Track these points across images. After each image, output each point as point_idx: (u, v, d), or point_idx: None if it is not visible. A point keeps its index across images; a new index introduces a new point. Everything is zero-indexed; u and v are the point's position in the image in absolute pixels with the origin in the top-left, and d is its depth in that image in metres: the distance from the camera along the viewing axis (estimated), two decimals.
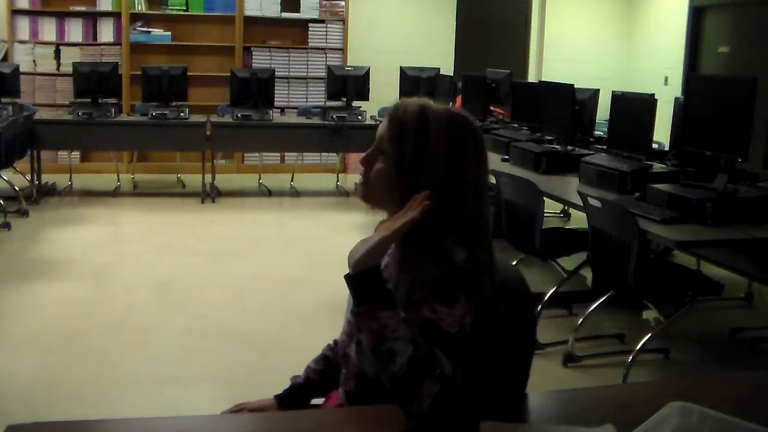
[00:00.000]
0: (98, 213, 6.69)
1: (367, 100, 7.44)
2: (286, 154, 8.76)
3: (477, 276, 1.47)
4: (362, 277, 1.36)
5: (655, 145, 4.75)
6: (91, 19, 8.39)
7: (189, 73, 7.35)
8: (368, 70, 7.57)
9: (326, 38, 8.79)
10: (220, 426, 1.48)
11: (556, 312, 4.33)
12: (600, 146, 5.18)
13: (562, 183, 4.51)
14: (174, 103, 7.16)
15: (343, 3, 8.76)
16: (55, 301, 4.43)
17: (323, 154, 8.66)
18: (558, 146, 5.05)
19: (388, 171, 1.52)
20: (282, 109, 8.29)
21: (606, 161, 4.31)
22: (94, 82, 7.14)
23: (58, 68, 8.32)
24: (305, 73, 8.78)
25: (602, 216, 3.60)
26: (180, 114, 7.12)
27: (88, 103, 7.13)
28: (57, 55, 8.33)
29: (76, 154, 8.20)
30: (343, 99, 7.55)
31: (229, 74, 7.36)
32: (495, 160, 5.25)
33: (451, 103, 5.41)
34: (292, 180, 8.07)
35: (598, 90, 5.52)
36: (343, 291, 1.42)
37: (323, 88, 8.28)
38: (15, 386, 3.32)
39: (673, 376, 3.72)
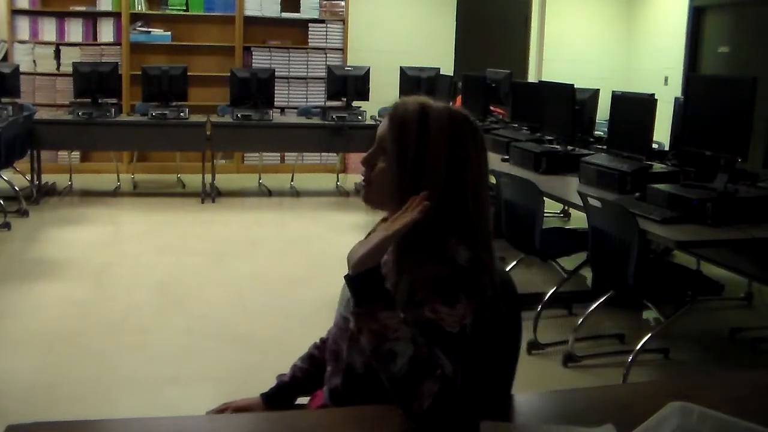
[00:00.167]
0: (98, 213, 6.69)
1: (367, 100, 7.44)
2: (286, 154, 8.76)
3: (478, 276, 1.47)
4: (362, 277, 1.36)
5: (655, 145, 4.75)
6: (91, 19, 8.39)
7: (189, 73, 7.35)
8: (368, 70, 7.57)
9: (326, 38, 8.79)
10: (220, 426, 1.48)
11: (556, 312, 4.33)
12: (600, 146, 5.17)
13: (562, 183, 4.51)
14: (174, 103, 7.16)
15: (343, 3, 8.75)
16: (55, 301, 4.43)
17: (323, 154, 8.66)
18: (558, 146, 5.05)
19: (390, 171, 1.52)
20: (282, 109, 8.29)
21: (606, 161, 4.31)
22: (94, 82, 7.14)
23: (58, 68, 8.32)
24: (305, 73, 8.78)
25: (602, 216, 3.60)
26: (180, 114, 7.12)
27: (88, 103, 7.13)
28: (57, 55, 8.33)
29: (76, 154, 8.20)
30: (343, 99, 7.55)
31: (229, 74, 7.36)
32: (495, 160, 5.25)
33: (451, 103, 5.41)
34: (292, 180, 8.07)
35: (598, 90, 5.52)
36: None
37: (323, 88, 8.28)
38: (15, 386, 3.32)
39: (673, 376, 3.72)
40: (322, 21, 8.76)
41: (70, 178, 7.69)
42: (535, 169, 4.80)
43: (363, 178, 1.59)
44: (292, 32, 8.81)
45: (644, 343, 3.55)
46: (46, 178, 7.53)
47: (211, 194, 7.25)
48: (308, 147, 7.85)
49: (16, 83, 7.05)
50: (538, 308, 4.00)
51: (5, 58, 8.13)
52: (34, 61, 8.28)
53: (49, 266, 5.06)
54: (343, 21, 8.78)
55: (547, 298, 4.05)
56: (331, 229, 6.35)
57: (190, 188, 7.69)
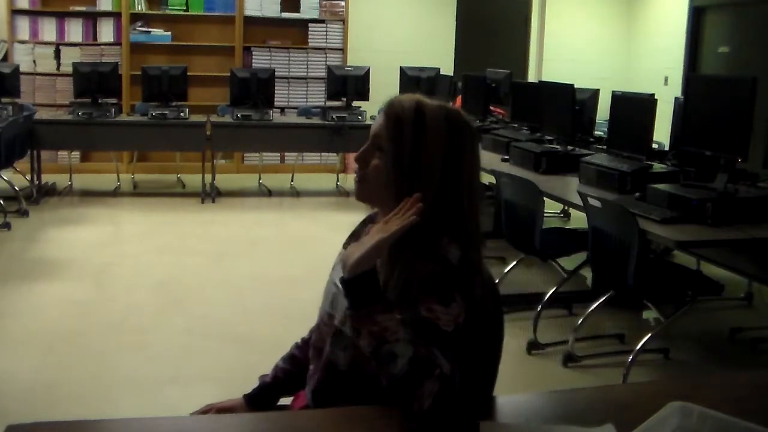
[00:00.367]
0: (98, 213, 6.69)
1: (367, 100, 7.44)
2: (286, 154, 8.76)
3: (470, 275, 1.46)
4: (359, 280, 1.35)
5: (655, 145, 4.74)
6: (91, 19, 8.39)
7: (189, 73, 7.35)
8: (368, 70, 7.57)
9: (326, 38, 8.79)
10: (220, 426, 1.48)
11: (556, 312, 4.33)
12: (600, 146, 5.17)
13: (562, 183, 4.51)
14: (174, 103, 7.16)
15: (343, 3, 8.75)
16: (55, 301, 4.43)
17: (323, 154, 8.65)
18: (558, 146, 5.05)
19: (386, 168, 1.51)
20: (282, 109, 8.29)
21: (606, 161, 4.31)
22: (94, 82, 7.14)
23: (58, 68, 8.31)
24: (305, 73, 8.78)
25: (602, 216, 3.60)
26: (180, 114, 7.12)
27: (88, 103, 7.12)
28: (57, 55, 8.33)
29: (76, 154, 8.20)
30: (343, 99, 7.55)
31: (229, 74, 7.36)
32: (495, 160, 5.25)
33: (451, 103, 5.40)
34: (292, 180, 8.07)
35: (598, 90, 5.52)
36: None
37: (323, 88, 8.28)
38: (15, 386, 3.32)
39: (673, 376, 3.72)
40: (322, 21, 8.76)
41: (70, 178, 7.68)
42: (535, 169, 4.80)
43: (357, 175, 1.58)
44: (292, 32, 8.80)
45: (644, 343, 3.55)
46: (46, 178, 7.53)
47: (211, 194, 7.25)
48: (308, 147, 7.85)
49: (16, 83, 7.05)
50: (538, 308, 4.00)
51: (5, 58, 8.13)
52: (34, 61, 8.28)
53: (49, 266, 5.06)
54: (343, 21, 8.78)
55: (547, 298, 4.05)
56: (331, 229, 6.35)
57: (190, 188, 7.69)
